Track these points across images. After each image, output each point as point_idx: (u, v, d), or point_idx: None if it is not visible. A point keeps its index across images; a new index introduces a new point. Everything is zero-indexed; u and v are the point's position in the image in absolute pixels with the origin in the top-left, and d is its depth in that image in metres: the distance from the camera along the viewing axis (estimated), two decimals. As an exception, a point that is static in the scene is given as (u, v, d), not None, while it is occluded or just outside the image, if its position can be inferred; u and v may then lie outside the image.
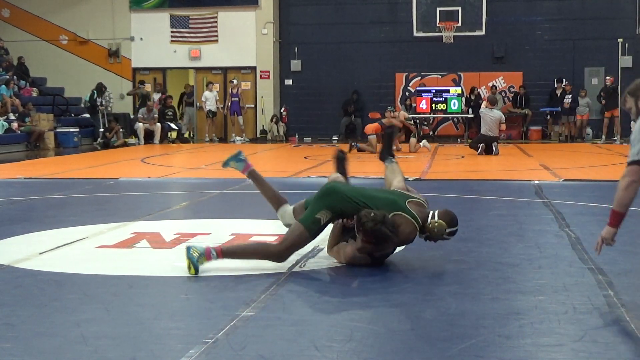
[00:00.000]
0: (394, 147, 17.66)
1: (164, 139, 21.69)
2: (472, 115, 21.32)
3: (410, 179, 10.54)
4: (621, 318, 4.01)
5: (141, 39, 23.95)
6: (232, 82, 23.07)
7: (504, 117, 17.19)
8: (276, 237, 6.11)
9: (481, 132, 16.84)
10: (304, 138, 23.05)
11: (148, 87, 23.67)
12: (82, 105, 23.38)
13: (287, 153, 18.33)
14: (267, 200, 5.79)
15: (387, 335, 3.80)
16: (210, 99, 22.83)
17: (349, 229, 5.36)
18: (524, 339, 3.71)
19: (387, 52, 23.15)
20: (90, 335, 3.77)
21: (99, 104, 22.02)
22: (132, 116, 23.03)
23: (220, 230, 6.91)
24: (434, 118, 22.61)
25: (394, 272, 5.16)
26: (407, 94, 22.89)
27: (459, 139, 22.01)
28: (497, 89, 22.05)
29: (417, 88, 22.54)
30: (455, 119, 22.73)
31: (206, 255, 5.08)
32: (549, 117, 22.22)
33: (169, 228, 7.01)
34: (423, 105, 21.98)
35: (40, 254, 5.86)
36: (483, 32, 21.13)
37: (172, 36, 23.74)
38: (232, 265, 5.21)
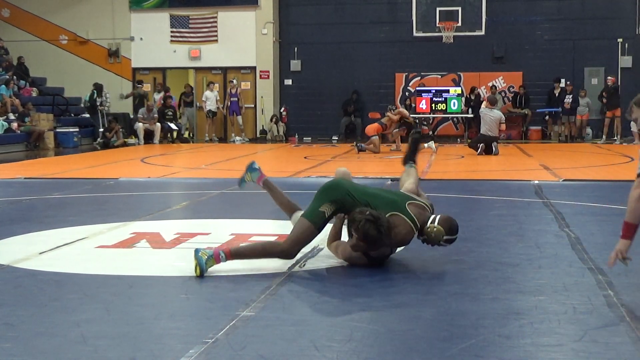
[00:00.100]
0: (394, 147, 17.83)
1: (163, 139, 21.70)
2: (472, 115, 21.33)
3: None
4: (621, 318, 4.01)
5: (141, 39, 23.96)
6: (232, 82, 23.07)
7: (503, 117, 17.19)
8: (276, 237, 6.12)
9: (481, 132, 16.83)
10: (304, 138, 23.06)
11: (147, 87, 23.68)
12: (82, 105, 23.38)
13: (287, 153, 18.33)
14: (281, 208, 5.84)
15: (387, 335, 3.79)
16: (211, 98, 22.84)
17: (349, 225, 5.36)
18: (524, 339, 3.71)
19: (387, 52, 23.15)
20: (90, 335, 3.77)
21: (98, 104, 22.03)
22: (132, 116, 23.03)
23: (220, 230, 6.91)
24: (433, 118, 22.62)
25: (394, 272, 5.16)
26: (407, 94, 22.89)
27: (458, 139, 22.01)
28: (497, 89, 22.06)
29: (417, 88, 22.55)
30: (455, 119, 22.74)
31: (215, 257, 5.06)
32: (547, 117, 22.22)
33: (169, 228, 7.00)
34: (423, 105, 21.99)
35: (40, 254, 5.86)
36: (483, 32, 21.13)
37: (172, 36, 23.75)
38: (231, 265, 5.21)
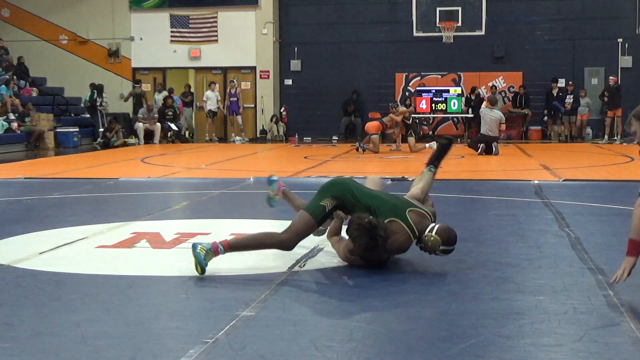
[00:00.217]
0: (394, 147, 17.82)
1: (163, 139, 21.70)
2: (472, 115, 21.33)
3: (409, 179, 10.54)
4: (621, 318, 4.01)
5: (141, 38, 23.96)
6: (232, 82, 23.08)
7: (504, 117, 17.19)
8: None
9: (481, 132, 16.83)
10: (304, 138, 23.06)
11: (147, 87, 23.68)
12: (82, 105, 23.39)
13: (287, 153, 18.33)
14: None
15: (387, 335, 3.79)
16: (211, 98, 22.85)
17: (348, 229, 5.37)
18: (524, 339, 3.71)
19: (387, 52, 23.15)
20: (90, 335, 3.77)
21: (98, 104, 22.03)
22: (132, 116, 23.04)
23: (220, 230, 6.90)
24: (433, 118, 22.62)
25: (394, 272, 5.16)
26: (407, 94, 22.88)
27: (458, 139, 21.99)
28: (497, 89, 22.06)
29: (417, 88, 22.55)
30: (455, 119, 22.74)
31: (213, 250, 5.06)
32: (546, 117, 22.21)
33: (169, 228, 7.01)
34: (423, 105, 21.99)
35: (40, 254, 5.86)
36: (483, 32, 21.14)
37: (172, 36, 23.75)
38: (232, 265, 5.21)
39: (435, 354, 3.49)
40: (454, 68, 22.79)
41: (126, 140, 21.41)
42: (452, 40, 21.33)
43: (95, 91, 22.05)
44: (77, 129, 21.00)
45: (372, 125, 17.31)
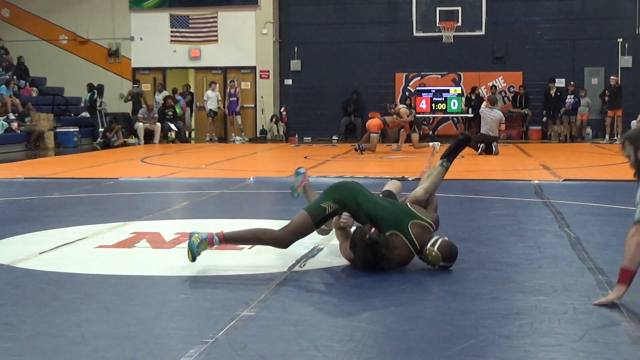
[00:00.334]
0: (395, 147, 17.79)
1: (163, 139, 21.69)
2: (472, 115, 21.33)
3: (409, 179, 10.55)
4: (621, 318, 4.01)
5: (141, 38, 23.96)
6: (232, 81, 23.09)
7: (504, 117, 17.19)
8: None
9: (481, 131, 16.83)
10: (304, 138, 23.06)
11: (147, 87, 23.67)
12: (82, 105, 23.39)
13: (287, 153, 18.33)
14: None
15: (387, 335, 3.79)
16: (212, 98, 22.85)
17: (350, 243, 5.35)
18: (524, 339, 3.71)
19: (387, 52, 23.15)
20: (90, 335, 3.77)
21: (98, 104, 22.02)
22: (132, 116, 23.05)
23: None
24: (433, 118, 22.62)
25: (394, 272, 5.15)
26: (407, 93, 22.88)
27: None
28: (497, 88, 22.06)
29: (417, 88, 22.54)
30: (455, 119, 22.73)
31: (208, 240, 5.07)
32: (545, 118, 22.21)
33: (169, 228, 7.01)
34: (423, 105, 21.97)
35: (40, 254, 5.86)
36: (483, 32, 21.14)
37: (172, 36, 23.75)
38: (232, 265, 5.21)
39: (435, 354, 3.49)
40: (454, 68, 22.79)
41: (126, 140, 21.41)
42: (452, 40, 21.33)
43: (95, 91, 22.04)
44: (77, 129, 21.00)
45: (373, 123, 17.21)
